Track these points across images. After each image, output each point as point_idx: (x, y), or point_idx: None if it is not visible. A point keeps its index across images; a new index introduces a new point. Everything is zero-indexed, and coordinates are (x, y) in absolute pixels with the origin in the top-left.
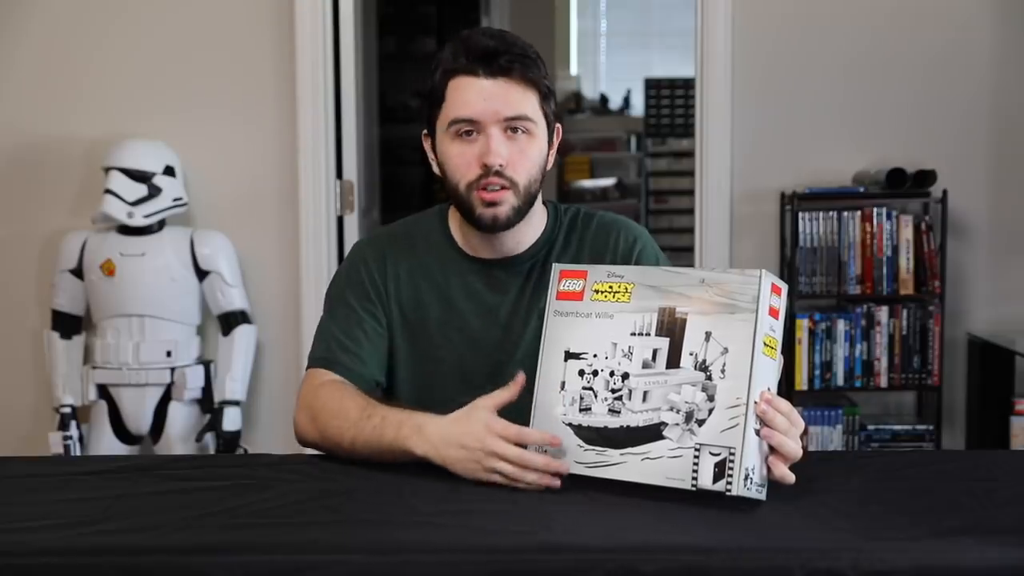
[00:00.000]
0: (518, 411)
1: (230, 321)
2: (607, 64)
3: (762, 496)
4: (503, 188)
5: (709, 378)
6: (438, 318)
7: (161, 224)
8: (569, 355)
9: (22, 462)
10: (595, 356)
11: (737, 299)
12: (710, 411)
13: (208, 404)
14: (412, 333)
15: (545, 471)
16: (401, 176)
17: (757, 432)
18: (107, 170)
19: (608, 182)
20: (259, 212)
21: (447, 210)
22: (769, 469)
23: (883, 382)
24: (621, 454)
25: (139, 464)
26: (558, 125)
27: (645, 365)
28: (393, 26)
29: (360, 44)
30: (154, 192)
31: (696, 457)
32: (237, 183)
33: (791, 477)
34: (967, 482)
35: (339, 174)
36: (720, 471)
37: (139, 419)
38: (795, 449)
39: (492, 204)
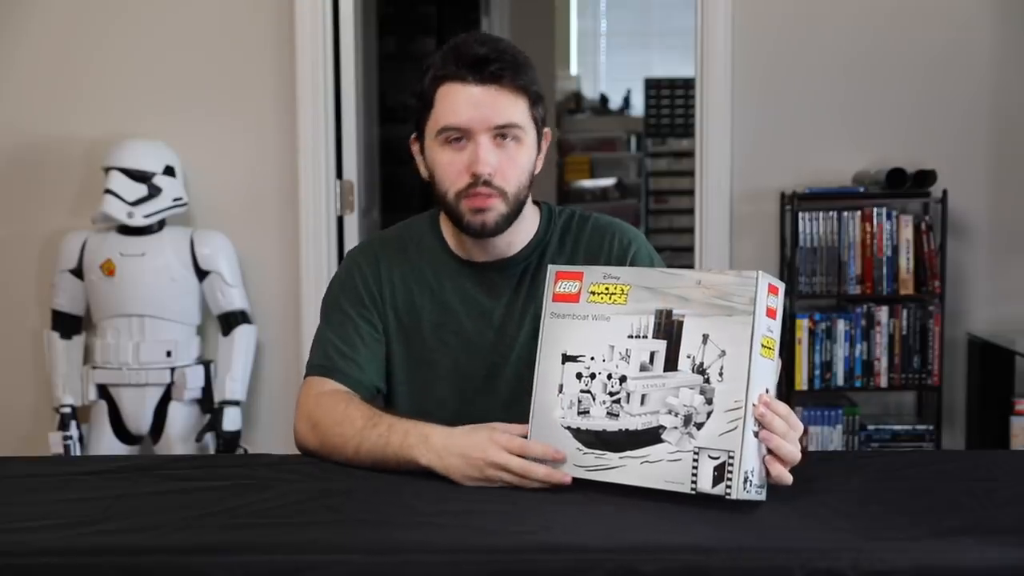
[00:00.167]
0: (518, 412)
1: (230, 321)
2: (607, 64)
3: (762, 497)
4: (491, 196)
5: (707, 381)
6: (432, 322)
7: (161, 224)
8: (566, 358)
9: (22, 462)
10: (592, 359)
11: (734, 301)
12: (708, 414)
13: (208, 404)
14: (407, 337)
15: (546, 482)
16: (401, 176)
17: (756, 434)
18: (107, 170)
19: (608, 182)
20: (259, 212)
21: (439, 214)
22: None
23: (883, 382)
24: (620, 457)
25: (139, 464)
26: (547, 130)
27: (643, 368)
28: (393, 26)
29: (360, 44)
30: (154, 192)
31: (695, 461)
32: (237, 183)
33: (788, 478)
34: (967, 482)
35: (339, 174)
36: (719, 475)
37: (139, 419)
38: (793, 452)
39: (480, 211)
